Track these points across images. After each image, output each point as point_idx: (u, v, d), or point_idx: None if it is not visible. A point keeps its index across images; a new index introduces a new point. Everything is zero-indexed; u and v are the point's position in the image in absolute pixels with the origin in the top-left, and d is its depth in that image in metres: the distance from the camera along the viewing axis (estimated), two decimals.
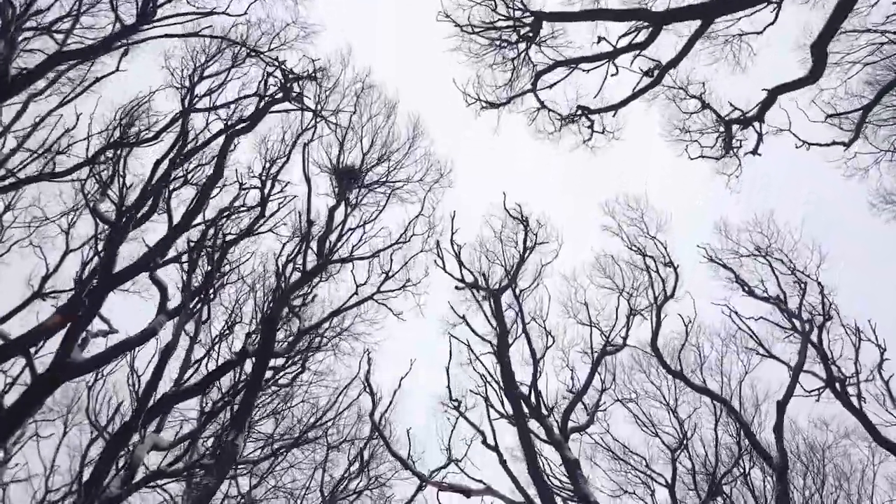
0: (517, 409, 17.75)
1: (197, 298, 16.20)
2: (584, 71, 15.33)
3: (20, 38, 15.80)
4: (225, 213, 16.70)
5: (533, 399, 19.18)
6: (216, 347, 20.05)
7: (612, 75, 15.59)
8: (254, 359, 15.35)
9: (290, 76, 16.39)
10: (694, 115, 18.19)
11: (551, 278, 24.42)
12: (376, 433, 20.26)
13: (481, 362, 20.39)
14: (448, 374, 20.08)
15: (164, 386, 16.76)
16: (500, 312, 19.46)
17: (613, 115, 16.04)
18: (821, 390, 19.43)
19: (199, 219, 15.89)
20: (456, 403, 19.93)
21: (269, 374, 20.12)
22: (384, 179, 21.13)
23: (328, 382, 22.95)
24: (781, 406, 18.58)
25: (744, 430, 19.64)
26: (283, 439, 21.75)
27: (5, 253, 18.60)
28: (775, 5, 14.34)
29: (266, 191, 18.18)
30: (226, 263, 18.71)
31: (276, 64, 16.10)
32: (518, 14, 16.24)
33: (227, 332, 20.62)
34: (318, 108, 18.36)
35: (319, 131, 19.22)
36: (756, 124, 15.44)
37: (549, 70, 15.98)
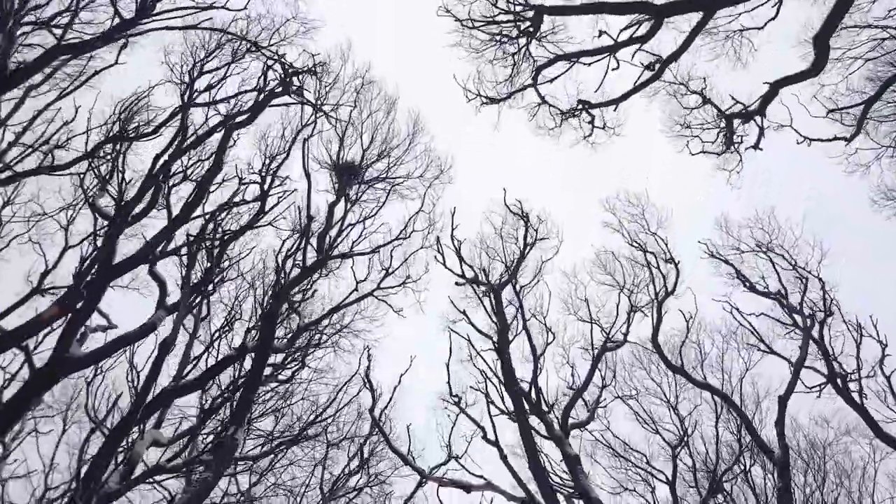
0: (518, 405, 17.70)
1: (196, 294, 16.13)
2: (585, 65, 15.30)
3: (19, 33, 15.77)
4: (224, 207, 16.62)
5: (533, 395, 19.14)
6: (215, 344, 20.02)
7: (613, 69, 15.53)
8: (253, 354, 15.28)
9: (289, 70, 16.33)
10: (695, 111, 18.14)
11: (552, 275, 24.36)
12: (376, 429, 20.20)
13: (483, 358, 20.35)
14: (448, 369, 20.08)
15: (164, 382, 16.76)
16: (500, 308, 19.42)
17: (614, 110, 16.00)
18: (822, 386, 19.38)
19: (198, 211, 15.81)
20: (456, 399, 19.91)
21: (268, 370, 20.16)
22: (384, 175, 21.08)
23: (328, 380, 22.92)
24: (783, 401, 18.54)
25: (745, 425, 19.59)
26: (282, 436, 21.69)
27: (4, 248, 18.55)
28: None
29: (266, 186, 18.14)
30: (225, 259, 18.68)
31: (276, 57, 16.05)
32: (519, 8, 16.19)
33: (227, 329, 20.57)
34: (318, 103, 18.31)
35: (319, 127, 19.15)
36: (757, 118, 15.41)
37: (550, 64, 15.94)
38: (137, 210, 15.48)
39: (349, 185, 20.39)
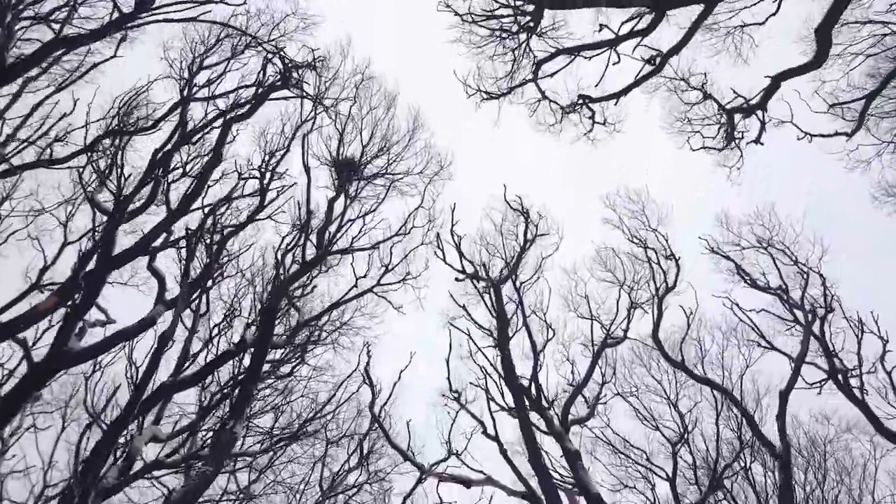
0: (518, 399, 17.66)
1: (195, 289, 16.07)
2: (585, 58, 15.27)
3: (17, 27, 15.72)
4: (224, 201, 16.57)
5: (533, 392, 19.10)
6: (215, 341, 19.97)
7: (614, 64, 15.50)
8: (252, 349, 15.22)
9: (289, 64, 16.27)
10: (695, 107, 18.11)
11: (552, 271, 24.37)
12: (376, 425, 20.13)
13: (483, 353, 20.34)
14: (448, 365, 20.05)
15: (163, 378, 16.70)
16: (500, 303, 19.38)
17: (615, 104, 15.96)
18: (823, 383, 19.35)
19: (197, 203, 15.76)
20: (456, 394, 19.85)
21: (268, 366, 20.11)
22: (384, 172, 21.03)
23: (327, 378, 22.88)
24: (784, 395, 18.50)
25: (746, 419, 19.55)
26: (282, 433, 21.62)
27: (2, 243, 18.46)
28: None
29: (265, 182, 18.10)
30: (224, 255, 18.63)
31: (276, 51, 15.98)
32: (519, 3, 16.15)
33: (227, 327, 20.53)
34: (318, 96, 18.23)
35: (319, 122, 19.11)
36: (759, 112, 15.37)
37: (551, 58, 15.91)
38: (137, 204, 15.41)
39: (349, 181, 20.33)
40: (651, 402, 24.46)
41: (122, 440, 16.74)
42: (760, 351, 22.11)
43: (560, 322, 22.62)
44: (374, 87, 20.45)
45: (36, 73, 15.20)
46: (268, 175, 18.12)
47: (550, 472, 17.22)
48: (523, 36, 17.06)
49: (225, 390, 19.28)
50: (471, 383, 20.60)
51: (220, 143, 15.76)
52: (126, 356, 18.66)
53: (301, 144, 18.67)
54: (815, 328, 19.76)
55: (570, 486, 17.69)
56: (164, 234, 15.68)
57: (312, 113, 18.55)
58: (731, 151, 18.06)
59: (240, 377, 16.83)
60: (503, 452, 18.31)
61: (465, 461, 19.28)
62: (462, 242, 20.77)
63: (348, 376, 21.90)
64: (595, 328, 21.49)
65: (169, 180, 17.26)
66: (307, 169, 18.39)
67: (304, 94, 16.89)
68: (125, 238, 16.73)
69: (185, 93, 17.31)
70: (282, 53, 16.23)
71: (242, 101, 16.98)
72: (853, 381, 18.82)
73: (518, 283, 20.77)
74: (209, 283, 17.02)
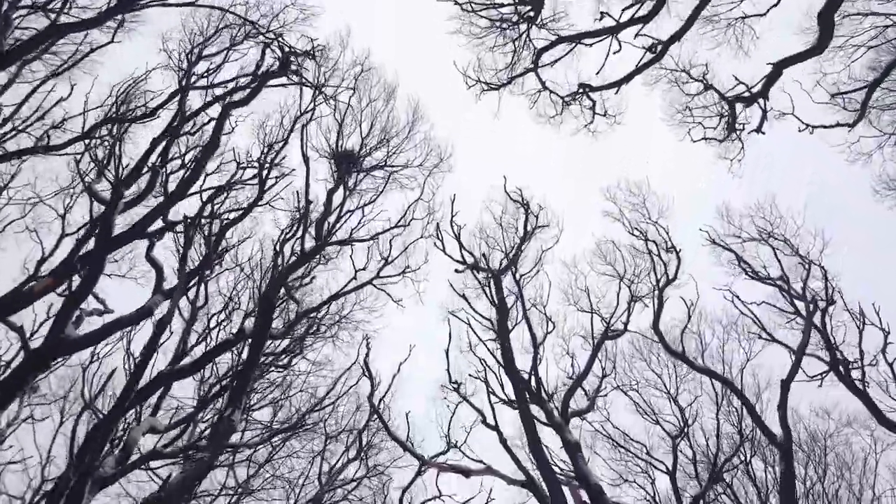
0: (517, 388, 17.58)
1: (194, 277, 15.99)
2: (586, 45, 15.17)
3: (14, 16, 15.63)
4: (223, 189, 16.48)
5: (533, 384, 19.00)
6: (213, 333, 19.91)
7: (615, 52, 15.40)
8: (251, 338, 15.12)
9: (288, 51, 16.17)
10: (696, 98, 18.05)
11: (552, 265, 24.30)
12: (375, 416, 20.04)
13: (485, 345, 20.23)
14: (448, 356, 19.98)
15: (161, 369, 16.63)
16: (500, 293, 19.30)
17: (616, 92, 15.86)
18: (824, 375, 19.27)
19: (194, 188, 15.67)
20: (455, 385, 19.77)
21: (267, 359, 20.03)
22: (383, 164, 20.93)
23: (326, 373, 22.82)
24: (785, 384, 18.42)
25: (746, 408, 19.45)
26: (281, 426, 21.55)
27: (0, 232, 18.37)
28: None
29: (264, 173, 18.00)
30: (223, 247, 18.54)
31: (274, 37, 15.89)
32: None
33: (225, 319, 20.46)
34: (317, 84, 18.12)
35: (318, 113, 19.05)
36: (761, 101, 15.27)
37: (552, 47, 15.82)
38: (135, 192, 15.32)
39: (348, 173, 20.23)
40: (651, 397, 24.46)
41: (119, 431, 16.74)
42: (761, 344, 22.11)
43: (560, 315, 22.62)
44: (374, 79, 20.39)
45: (32, 56, 15.04)
46: (266, 166, 18.04)
47: (550, 462, 17.11)
48: (524, 26, 16.99)
49: (223, 382, 19.23)
50: (470, 375, 20.56)
51: (219, 128, 15.66)
52: (124, 348, 18.70)
53: (300, 135, 18.61)
54: (817, 319, 19.68)
55: (570, 477, 17.58)
56: (162, 218, 15.55)
57: (312, 103, 18.48)
58: (733, 143, 18.01)
59: (239, 368, 16.72)
60: (503, 441, 18.23)
61: (465, 453, 19.26)
62: (462, 234, 20.73)
63: (347, 369, 21.90)
64: (595, 321, 21.43)
65: (167, 171, 17.22)
66: (306, 159, 18.30)
67: (304, 80, 16.79)
68: (122, 230, 16.72)
69: (184, 82, 17.21)
70: (280, 40, 16.12)
71: (241, 85, 16.86)
72: (855, 374, 18.74)
73: (518, 276, 20.71)
74: (207, 272, 16.89)
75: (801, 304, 20.54)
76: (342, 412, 23.33)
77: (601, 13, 14.79)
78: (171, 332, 18.42)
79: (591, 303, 21.87)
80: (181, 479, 10.88)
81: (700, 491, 21.66)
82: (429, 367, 23.05)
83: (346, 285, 20.18)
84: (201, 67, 18.24)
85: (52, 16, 15.91)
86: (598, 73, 15.89)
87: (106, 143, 16.75)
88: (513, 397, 18.73)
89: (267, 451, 22.41)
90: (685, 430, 23.11)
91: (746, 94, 15.23)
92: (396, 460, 22.52)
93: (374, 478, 22.81)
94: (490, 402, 19.54)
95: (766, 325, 21.64)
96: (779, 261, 21.31)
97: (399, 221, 20.58)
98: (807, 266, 20.65)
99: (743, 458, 23.53)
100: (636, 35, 14.69)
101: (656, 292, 20.65)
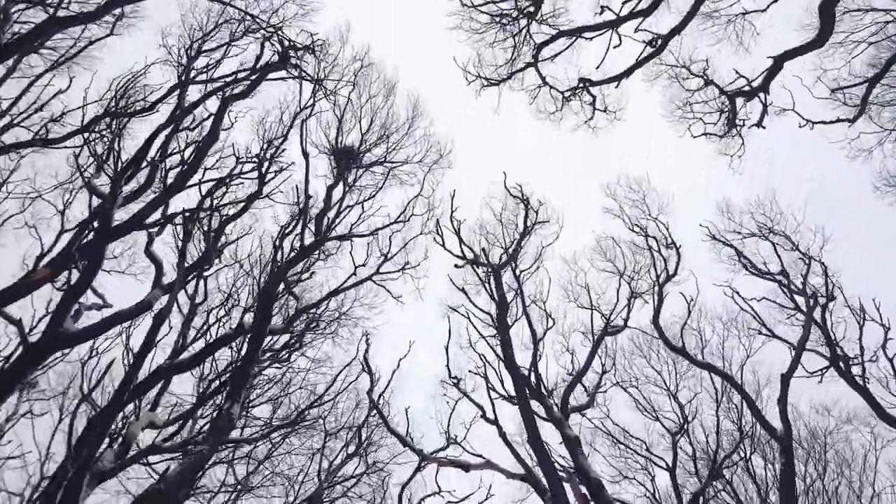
0: (517, 383, 17.56)
1: (193, 272, 15.95)
2: (586, 39, 15.13)
3: (13, 10, 15.60)
4: (222, 181, 16.44)
5: (533, 380, 18.98)
6: (212, 330, 19.88)
7: (615, 47, 15.39)
8: (250, 333, 15.09)
9: (287, 44, 16.13)
10: (697, 93, 18.03)
11: (552, 261, 24.31)
12: (374, 411, 20.00)
13: (484, 339, 20.23)
14: (447, 352, 19.98)
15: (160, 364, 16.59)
16: (500, 288, 19.29)
17: (616, 86, 15.84)
18: (824, 370, 19.24)
19: (194, 179, 15.62)
20: (455, 380, 19.75)
21: (267, 355, 19.99)
22: (383, 160, 20.91)
23: (326, 370, 22.80)
24: (785, 379, 18.40)
25: (746, 402, 19.43)
26: (281, 423, 21.51)
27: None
28: None
29: (264, 168, 17.97)
30: (222, 244, 18.51)
31: (274, 30, 15.84)
32: None
33: (224, 315, 20.44)
34: (316, 85, 18.09)
35: (318, 108, 18.99)
36: (761, 95, 15.25)
37: (552, 41, 15.81)
38: (134, 187, 15.29)
39: (347, 169, 20.21)
40: (651, 394, 24.45)
41: (118, 426, 16.72)
42: (761, 341, 22.09)
43: (560, 312, 22.60)
44: (374, 75, 20.41)
45: (30, 50, 15.00)
46: (266, 161, 18.00)
47: (550, 456, 17.08)
48: (523, 22, 16.97)
49: (222, 378, 19.18)
50: (470, 371, 20.53)
51: (218, 120, 15.62)
52: (123, 343, 18.67)
53: (299, 130, 18.57)
54: (817, 314, 19.66)
55: (570, 473, 17.53)
56: (161, 210, 15.51)
57: (311, 98, 18.45)
58: (733, 139, 18.00)
59: (238, 363, 16.68)
60: (502, 435, 18.20)
61: (465, 448, 19.23)
62: (462, 230, 20.71)
63: (347, 365, 21.88)
64: (595, 318, 21.43)
65: (166, 167, 17.18)
66: (305, 154, 18.25)
67: (303, 73, 16.74)
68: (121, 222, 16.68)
69: (184, 77, 17.18)
70: (280, 34, 16.07)
71: (241, 77, 16.82)
72: (855, 370, 18.71)
73: (518, 272, 20.71)
74: (207, 266, 16.85)
75: (801, 300, 20.54)
76: (342, 409, 23.39)
77: (601, 7, 14.79)
78: (171, 328, 18.49)
79: (590, 299, 21.91)
80: (179, 471, 10.85)
81: (700, 487, 21.64)
82: (428, 364, 23.02)
83: (345, 281, 20.20)
84: (200, 63, 18.30)
85: (51, 10, 15.95)
86: (598, 67, 15.92)
87: (105, 138, 16.73)
88: (512, 393, 18.72)
89: (266, 448, 22.40)
90: (685, 426, 23.10)
91: (747, 89, 15.22)
92: (396, 457, 22.56)
93: (373, 475, 22.82)
94: (490, 397, 19.55)
95: (767, 321, 21.66)
96: (779, 256, 21.32)
97: (399, 217, 20.59)
98: (807, 262, 20.64)
99: (743, 455, 23.53)
100: (636, 29, 14.67)
101: (656, 288, 20.63)
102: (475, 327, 20.25)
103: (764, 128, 15.85)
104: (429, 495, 20.05)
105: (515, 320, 20.21)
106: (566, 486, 15.56)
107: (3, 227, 18.71)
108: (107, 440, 14.46)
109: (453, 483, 18.92)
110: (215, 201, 16.51)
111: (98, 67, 17.89)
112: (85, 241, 14.33)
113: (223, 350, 18.11)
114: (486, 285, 20.25)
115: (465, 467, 17.12)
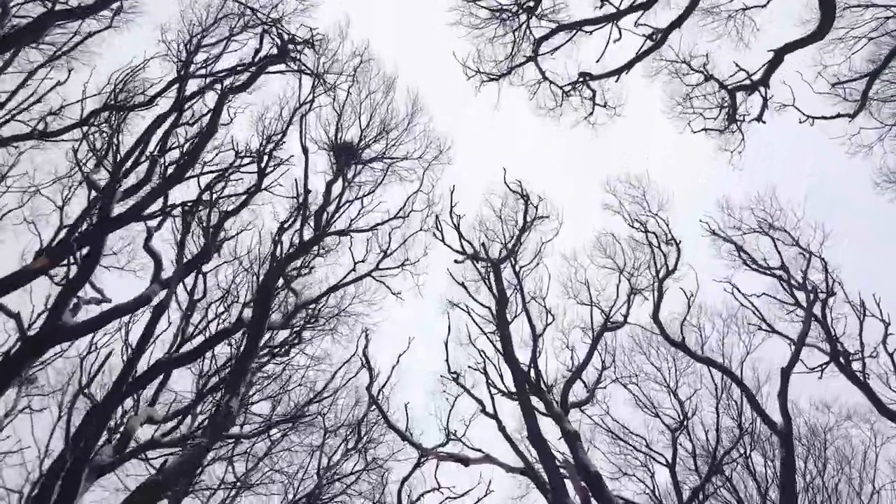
0: (517, 378, 17.51)
1: (192, 268, 15.91)
2: (586, 33, 15.10)
3: (11, 4, 15.57)
4: (222, 174, 16.40)
5: (533, 376, 18.94)
6: (211, 326, 19.84)
7: (616, 40, 15.36)
8: (249, 327, 15.05)
9: (287, 37, 16.08)
10: (697, 89, 17.99)
11: (551, 258, 24.24)
12: (374, 407, 19.97)
13: (485, 334, 20.16)
14: (447, 347, 19.95)
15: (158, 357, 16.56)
16: (500, 282, 19.24)
17: (616, 80, 15.80)
18: (824, 366, 19.22)
19: (193, 171, 15.57)
20: (455, 375, 19.73)
21: (266, 352, 19.96)
22: (382, 156, 20.87)
23: (325, 367, 22.78)
24: (785, 373, 18.36)
25: (746, 396, 19.39)
26: (280, 419, 21.49)
27: None
28: None
29: (263, 164, 17.93)
30: (221, 239, 18.48)
31: (273, 22, 15.80)
32: None
33: (224, 312, 20.41)
34: (316, 79, 18.04)
35: (317, 103, 18.93)
36: (761, 89, 15.21)
37: (552, 35, 15.78)
38: (133, 181, 15.25)
39: (347, 165, 20.17)
40: (651, 390, 24.43)
41: (116, 421, 16.68)
42: (761, 337, 22.05)
43: (559, 309, 22.56)
44: (373, 70, 20.32)
45: (28, 42, 14.94)
46: (265, 158, 17.96)
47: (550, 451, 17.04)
48: (523, 17, 16.94)
49: (221, 374, 19.16)
50: (470, 367, 20.50)
51: (217, 112, 15.58)
52: (122, 339, 18.63)
53: (299, 126, 18.52)
54: (817, 309, 19.63)
55: (569, 464, 17.48)
56: (161, 202, 15.48)
57: (311, 93, 18.39)
58: (733, 134, 17.96)
59: (237, 357, 16.63)
60: (502, 429, 18.19)
61: (465, 443, 19.22)
62: (461, 225, 20.66)
63: (346, 362, 21.91)
64: (595, 314, 21.37)
65: (165, 161, 17.14)
66: (305, 150, 18.20)
67: (303, 66, 16.70)
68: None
69: (183, 72, 17.14)
70: (279, 27, 16.02)
71: (240, 70, 16.77)
72: (855, 365, 18.69)
73: (517, 267, 20.65)
74: (205, 261, 16.81)
75: (801, 295, 20.51)
76: (341, 405, 23.38)
77: (602, 0, 14.74)
78: (170, 323, 18.47)
79: (590, 295, 21.84)
80: (178, 463, 10.81)
81: (699, 484, 21.63)
82: (428, 360, 22.99)
83: (344, 277, 20.16)
84: (200, 58, 18.26)
85: (49, 4, 15.91)
86: (598, 61, 15.88)
87: (104, 133, 16.69)
88: (512, 389, 18.68)
89: (265, 445, 22.38)
90: (685, 423, 23.09)
91: (747, 82, 15.18)
92: (395, 453, 22.56)
93: (372, 472, 22.80)
94: (490, 392, 19.52)
95: (767, 317, 21.61)
96: (779, 252, 21.29)
97: (398, 213, 20.53)
98: (807, 257, 20.60)
99: (742, 452, 23.51)
100: (636, 23, 14.64)
101: (656, 283, 20.60)
102: (475, 322, 20.24)
103: (764, 122, 15.81)
104: (428, 491, 20.05)
105: (515, 316, 20.19)
106: (566, 480, 15.52)
107: (1, 223, 18.70)
108: (105, 434, 14.44)
109: (453, 479, 18.91)
110: (214, 195, 16.46)
111: (96, 63, 17.87)
112: (84, 231, 14.21)
113: (222, 346, 18.07)
114: (486, 281, 20.21)
115: (465, 462, 17.07)
